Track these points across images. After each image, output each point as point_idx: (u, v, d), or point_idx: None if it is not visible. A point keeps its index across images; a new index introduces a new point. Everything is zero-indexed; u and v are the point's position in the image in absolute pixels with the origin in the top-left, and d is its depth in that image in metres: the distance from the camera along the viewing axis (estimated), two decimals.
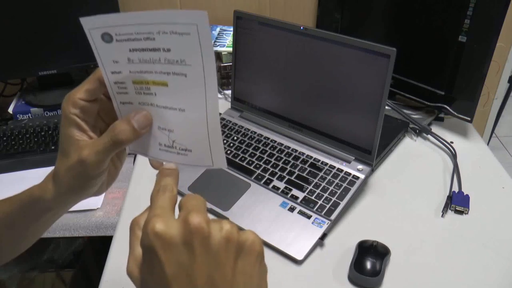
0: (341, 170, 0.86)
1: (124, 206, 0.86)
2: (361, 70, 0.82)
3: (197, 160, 0.42)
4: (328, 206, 0.80)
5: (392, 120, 1.04)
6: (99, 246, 1.26)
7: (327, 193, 0.82)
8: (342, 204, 0.80)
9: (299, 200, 0.82)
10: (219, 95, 1.16)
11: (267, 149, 0.94)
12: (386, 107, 0.86)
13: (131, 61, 0.39)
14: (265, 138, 0.97)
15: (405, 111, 1.06)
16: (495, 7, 0.87)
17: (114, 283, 0.72)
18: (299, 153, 0.92)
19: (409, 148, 1.00)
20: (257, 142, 0.96)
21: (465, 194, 0.85)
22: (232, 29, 1.00)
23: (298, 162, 0.89)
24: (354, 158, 0.88)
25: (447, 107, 1.01)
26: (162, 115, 0.41)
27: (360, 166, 0.87)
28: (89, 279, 1.25)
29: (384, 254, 0.71)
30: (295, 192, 0.83)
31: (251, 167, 0.89)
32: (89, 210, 0.91)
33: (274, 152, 0.93)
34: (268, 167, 0.89)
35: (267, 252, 0.75)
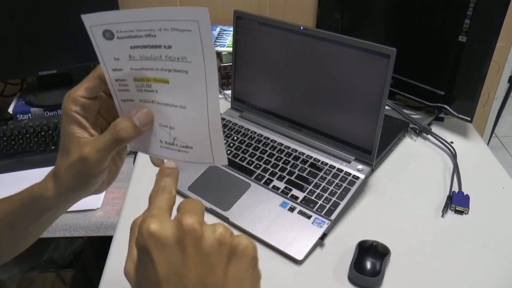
0: (341, 170, 0.86)
1: (124, 206, 0.86)
2: (361, 70, 0.82)
3: (198, 157, 0.42)
4: (328, 206, 0.80)
5: (392, 120, 1.04)
6: (99, 246, 1.26)
7: (327, 193, 0.82)
8: (342, 204, 0.80)
9: (299, 200, 0.82)
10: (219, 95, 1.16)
11: (267, 149, 0.94)
12: (386, 107, 0.86)
13: (132, 58, 0.39)
14: (265, 138, 0.97)
15: (405, 111, 1.06)
16: (495, 7, 0.87)
17: (114, 283, 0.72)
18: (299, 153, 0.92)
19: (409, 148, 1.00)
20: (257, 142, 0.96)
21: (465, 194, 0.85)
22: (232, 29, 1.00)
23: (298, 162, 0.89)
24: (354, 158, 0.88)
25: (447, 107, 1.01)
26: (163, 112, 0.41)
27: (360, 166, 0.87)
28: (89, 279, 1.25)
29: (384, 254, 0.71)
30: (295, 192, 0.83)
31: (251, 167, 0.89)
32: (89, 210, 0.91)
33: (274, 152, 0.93)
34: (268, 167, 0.89)
35: (267, 252, 0.75)
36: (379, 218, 0.82)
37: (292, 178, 0.86)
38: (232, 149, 0.95)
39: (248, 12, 0.95)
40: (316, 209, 0.79)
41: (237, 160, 0.92)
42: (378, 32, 1.13)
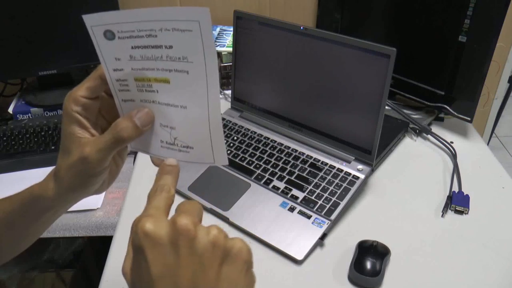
0: (341, 170, 0.86)
1: (124, 206, 0.86)
2: (361, 70, 0.82)
3: (199, 157, 0.42)
4: (328, 206, 0.80)
5: (392, 120, 1.04)
6: (99, 246, 1.26)
7: (327, 193, 0.82)
8: (342, 204, 0.80)
9: (299, 200, 0.82)
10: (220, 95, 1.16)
11: (267, 149, 0.94)
12: (386, 107, 0.86)
13: (133, 58, 0.39)
14: (265, 138, 0.97)
15: (405, 111, 1.06)
16: (495, 7, 0.87)
17: (114, 283, 0.72)
18: (299, 153, 0.92)
19: (409, 148, 1.00)
20: (257, 142, 0.96)
21: (465, 194, 0.85)
22: (232, 29, 1.00)
23: (298, 162, 0.89)
24: (354, 158, 0.88)
25: (447, 107, 1.01)
26: (164, 112, 0.41)
27: (360, 166, 0.87)
28: (89, 279, 1.25)
29: (384, 254, 0.71)
30: (295, 192, 0.83)
31: (251, 167, 0.89)
32: (89, 210, 0.91)
33: (274, 152, 0.93)
34: (268, 167, 0.89)
35: (267, 252, 0.75)
36: (379, 218, 0.82)
37: (292, 178, 0.86)
38: (232, 149, 0.95)
39: (248, 12, 0.95)
40: (316, 209, 0.79)
41: (237, 160, 0.92)
42: (378, 32, 1.13)
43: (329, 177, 0.85)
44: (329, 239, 0.77)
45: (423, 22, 1.01)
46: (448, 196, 0.85)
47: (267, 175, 0.87)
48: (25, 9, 1.08)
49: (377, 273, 0.69)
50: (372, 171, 0.88)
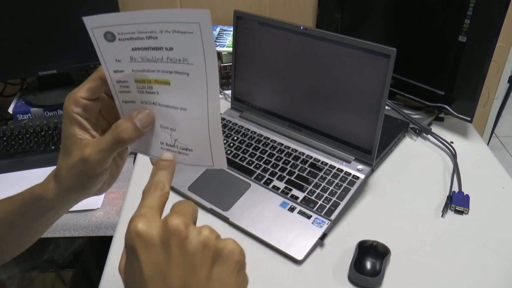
0: (341, 170, 0.86)
1: (124, 206, 0.86)
2: (361, 70, 0.82)
3: (198, 160, 0.42)
4: (328, 206, 0.80)
5: (392, 120, 1.04)
6: (99, 246, 1.26)
7: (327, 193, 0.82)
8: (342, 204, 0.80)
9: (299, 200, 0.82)
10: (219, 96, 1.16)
11: (267, 149, 0.94)
12: (386, 107, 0.86)
13: (134, 60, 0.39)
14: (265, 138, 0.97)
15: (405, 111, 1.06)
16: (495, 7, 0.87)
17: (114, 283, 0.72)
18: (299, 153, 0.92)
19: (409, 148, 1.00)
20: (257, 142, 0.96)
21: (465, 194, 0.85)
22: (232, 29, 1.00)
23: (298, 162, 0.90)
24: (354, 158, 0.88)
25: (447, 107, 1.02)
26: (164, 114, 0.41)
27: (360, 166, 0.87)
28: (89, 279, 1.25)
29: (384, 254, 0.71)
30: (295, 192, 0.83)
31: (251, 167, 0.89)
32: (89, 210, 0.91)
33: (274, 152, 0.93)
34: (268, 167, 0.89)
35: (267, 252, 0.75)
36: (379, 218, 0.82)
37: (292, 178, 0.86)
38: (232, 149, 0.95)
39: (248, 12, 0.95)
40: (316, 209, 0.80)
41: (237, 160, 0.92)
42: (378, 32, 1.13)
43: (329, 177, 0.85)
44: (329, 239, 0.77)
45: (423, 22, 1.01)
46: (448, 196, 0.85)
47: (267, 175, 0.87)
48: (25, 9, 1.08)
49: (377, 273, 0.69)
50: (372, 171, 0.88)
